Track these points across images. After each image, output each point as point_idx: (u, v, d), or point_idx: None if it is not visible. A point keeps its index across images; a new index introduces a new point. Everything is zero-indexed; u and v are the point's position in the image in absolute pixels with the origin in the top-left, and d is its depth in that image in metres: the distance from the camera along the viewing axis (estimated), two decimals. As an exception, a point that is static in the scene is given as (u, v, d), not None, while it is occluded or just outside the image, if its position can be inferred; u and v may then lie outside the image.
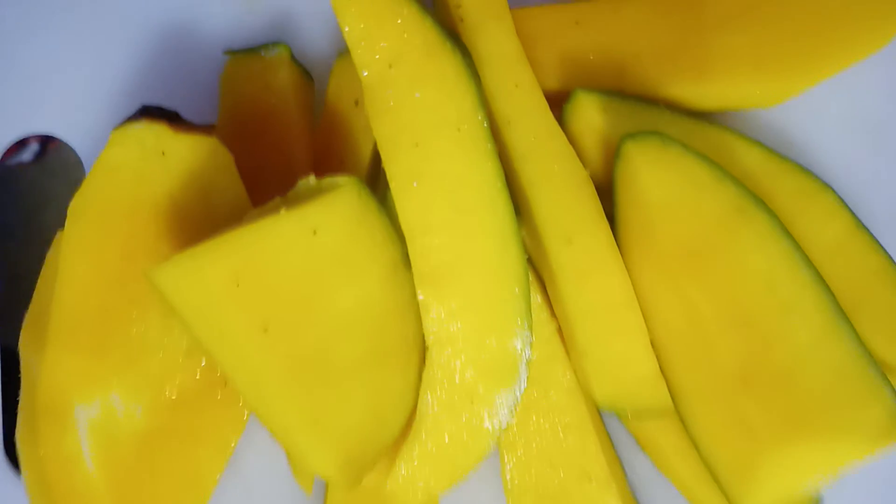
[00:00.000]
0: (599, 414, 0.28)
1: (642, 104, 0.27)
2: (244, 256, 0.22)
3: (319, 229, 0.24)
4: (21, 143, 0.60)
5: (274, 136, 0.29)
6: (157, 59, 0.30)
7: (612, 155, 0.26)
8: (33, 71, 0.30)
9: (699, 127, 0.28)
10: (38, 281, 0.27)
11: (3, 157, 0.59)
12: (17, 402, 0.29)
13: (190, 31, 0.30)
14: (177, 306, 0.23)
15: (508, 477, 0.28)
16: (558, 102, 0.27)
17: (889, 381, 0.25)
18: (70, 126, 0.30)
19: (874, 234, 0.28)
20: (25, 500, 0.29)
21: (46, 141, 0.38)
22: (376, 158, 0.28)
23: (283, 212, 0.23)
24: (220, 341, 0.23)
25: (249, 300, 0.23)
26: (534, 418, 0.28)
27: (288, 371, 0.24)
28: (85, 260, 0.26)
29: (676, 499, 0.29)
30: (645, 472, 0.29)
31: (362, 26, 0.23)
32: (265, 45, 0.29)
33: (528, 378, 0.26)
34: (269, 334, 0.23)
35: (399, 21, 0.23)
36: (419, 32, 0.23)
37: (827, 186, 0.28)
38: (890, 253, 0.28)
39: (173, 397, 0.27)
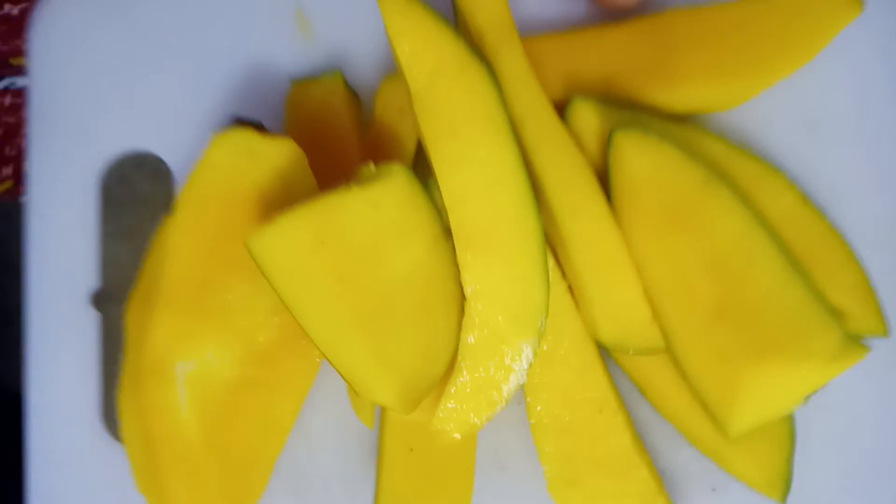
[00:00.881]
0: (604, 361, 0.34)
1: (627, 108, 0.34)
2: (325, 221, 0.29)
3: (380, 204, 0.30)
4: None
5: (332, 145, 0.35)
6: (234, 87, 0.37)
7: (605, 146, 0.33)
8: (136, 96, 0.36)
9: (673, 125, 0.34)
10: (145, 260, 0.33)
11: (16, 193, 0.63)
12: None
13: (263, 64, 0.36)
14: (267, 267, 0.29)
15: (534, 416, 0.33)
16: (561, 109, 0.33)
17: (837, 316, 0.31)
18: (161, 142, 0.36)
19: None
20: (121, 463, 0.34)
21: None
22: (418, 156, 0.34)
23: (352, 188, 0.29)
24: (304, 292, 0.29)
25: (330, 256, 0.29)
26: (552, 364, 0.34)
27: (357, 316, 0.29)
28: (189, 239, 0.32)
29: (672, 435, 0.34)
30: (644, 415, 0.35)
31: (412, 47, 0.30)
32: (323, 73, 0.35)
33: (546, 328, 0.32)
34: (344, 284, 0.29)
35: (438, 43, 0.30)
36: (454, 51, 0.30)
37: (778, 170, 0.34)
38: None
39: (257, 351, 0.32)
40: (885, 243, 0.35)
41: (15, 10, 0.47)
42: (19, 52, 0.50)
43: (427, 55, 0.30)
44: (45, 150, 0.35)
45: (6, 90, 0.52)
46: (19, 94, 0.53)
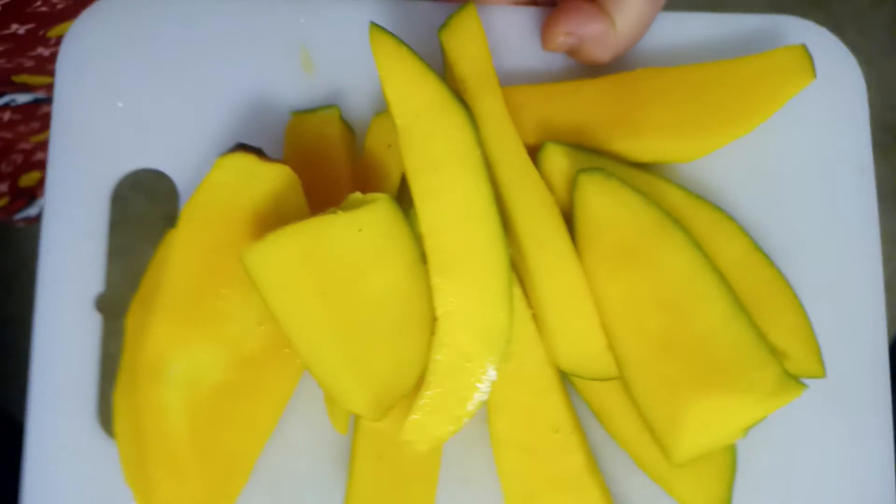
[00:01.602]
0: (564, 385, 0.37)
1: (594, 155, 0.37)
2: (312, 240, 0.31)
3: (364, 228, 0.33)
4: (30, 198, 0.67)
5: (325, 172, 0.38)
6: (240, 115, 0.40)
7: (572, 187, 0.36)
8: (147, 118, 0.39)
9: (636, 173, 0.36)
10: (147, 269, 0.36)
11: (11, 210, 0.64)
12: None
13: (265, 96, 0.40)
14: (259, 278, 0.31)
15: (495, 433, 0.36)
16: (534, 152, 0.36)
17: (776, 355, 0.34)
18: (171, 162, 0.39)
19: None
20: (113, 457, 0.36)
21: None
22: (402, 187, 0.38)
23: (339, 213, 0.32)
24: (289, 304, 0.32)
25: (314, 272, 0.31)
26: (515, 385, 0.36)
27: (336, 329, 0.32)
28: (189, 251, 0.34)
29: (622, 456, 0.36)
30: (601, 439, 0.37)
31: (399, 88, 0.33)
32: (321, 107, 0.38)
33: (509, 354, 0.34)
34: (326, 299, 0.32)
35: (424, 86, 0.34)
36: (437, 94, 0.33)
37: (731, 218, 0.37)
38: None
39: (244, 358, 0.35)
40: (828, 291, 0.38)
41: (21, 30, 0.47)
42: (22, 69, 0.51)
43: (412, 96, 0.34)
44: (65, 162, 0.39)
45: (6, 106, 0.53)
46: (19, 110, 0.54)
